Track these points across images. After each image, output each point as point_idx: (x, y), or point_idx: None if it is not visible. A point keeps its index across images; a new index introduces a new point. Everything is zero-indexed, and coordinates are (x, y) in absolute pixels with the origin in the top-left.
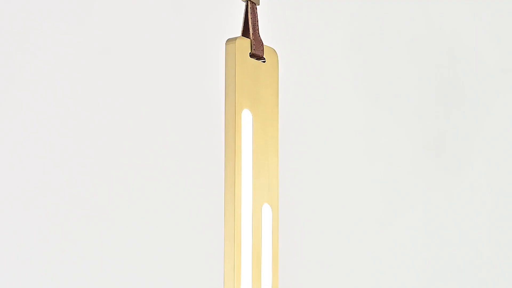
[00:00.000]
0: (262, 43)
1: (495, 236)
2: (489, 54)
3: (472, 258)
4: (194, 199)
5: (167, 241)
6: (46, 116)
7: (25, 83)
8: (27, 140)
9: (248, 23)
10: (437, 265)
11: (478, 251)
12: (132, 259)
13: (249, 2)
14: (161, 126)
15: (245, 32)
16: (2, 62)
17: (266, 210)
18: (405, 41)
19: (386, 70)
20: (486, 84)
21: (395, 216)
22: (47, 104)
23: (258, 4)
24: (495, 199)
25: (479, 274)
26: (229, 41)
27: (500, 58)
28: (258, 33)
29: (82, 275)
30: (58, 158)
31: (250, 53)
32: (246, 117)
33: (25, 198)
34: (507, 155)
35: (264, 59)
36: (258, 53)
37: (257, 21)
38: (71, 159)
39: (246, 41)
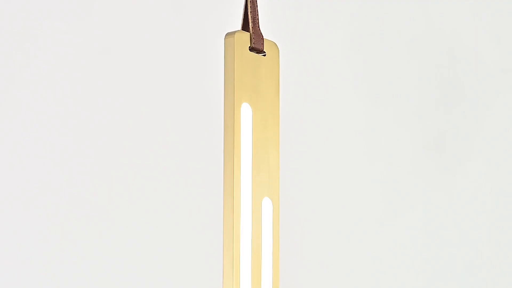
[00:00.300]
0: (262, 37)
1: (495, 236)
2: (489, 54)
3: (472, 258)
4: (194, 196)
5: (167, 240)
6: (46, 116)
7: (25, 83)
8: (27, 140)
9: (248, 17)
10: (437, 265)
11: (478, 251)
12: (132, 259)
13: None
14: (161, 121)
15: (245, 26)
16: (2, 62)
17: (267, 204)
18: (405, 41)
19: (386, 70)
20: (486, 84)
21: (395, 216)
22: (47, 104)
23: None
24: (495, 199)
25: (479, 274)
26: (228, 35)
27: (500, 58)
28: (258, 26)
29: (82, 275)
30: (58, 158)
31: (249, 46)
32: (246, 111)
33: (25, 198)
34: (507, 155)
35: (264, 52)
36: (258, 46)
37: (257, 14)
38: (71, 159)
39: (246, 35)
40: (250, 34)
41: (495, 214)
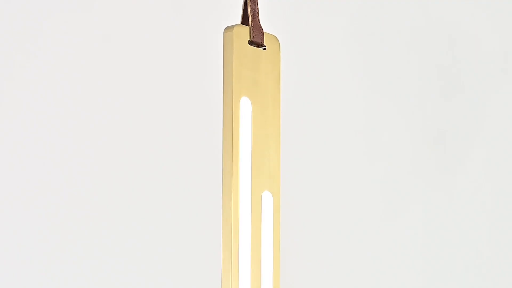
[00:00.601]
0: (262, 30)
1: (495, 236)
2: (490, 53)
3: (472, 258)
4: (194, 193)
5: (167, 240)
6: (46, 116)
7: (25, 83)
8: (27, 140)
9: (247, 10)
10: (437, 265)
11: (478, 251)
12: (132, 259)
13: None
14: (160, 117)
15: (245, 20)
16: (2, 62)
17: (267, 198)
18: (405, 41)
19: (387, 68)
20: (486, 84)
21: (395, 216)
22: (47, 104)
23: None
24: (495, 199)
25: (479, 274)
26: (227, 29)
27: (500, 57)
28: (258, 20)
29: (82, 275)
30: (58, 158)
31: (249, 40)
32: (245, 104)
33: (25, 198)
34: (507, 155)
35: (264, 46)
36: (257, 40)
37: (257, 8)
38: (71, 159)
39: (245, 29)
40: (250, 27)
41: (495, 214)
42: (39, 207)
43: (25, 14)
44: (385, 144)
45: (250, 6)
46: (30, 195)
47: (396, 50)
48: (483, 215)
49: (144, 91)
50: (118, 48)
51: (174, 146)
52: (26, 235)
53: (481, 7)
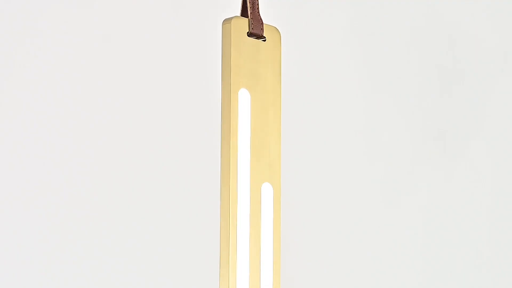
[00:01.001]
0: (262, 22)
1: (495, 236)
2: (490, 52)
3: (472, 258)
4: (193, 189)
5: (166, 234)
6: (46, 116)
7: (25, 83)
8: (27, 140)
9: (247, 2)
10: (437, 265)
11: (478, 251)
12: (132, 259)
13: None
14: (160, 113)
15: (245, 12)
16: (2, 62)
17: (267, 189)
18: (405, 41)
19: (387, 69)
20: (486, 84)
21: (395, 215)
22: (47, 104)
23: None
24: (495, 198)
25: (480, 275)
26: (226, 21)
27: (500, 57)
28: (258, 11)
29: (82, 275)
30: (58, 158)
31: (248, 32)
32: (244, 96)
33: (25, 198)
34: (506, 155)
35: (264, 37)
36: (257, 31)
37: None
38: (71, 159)
39: (244, 20)
40: (249, 19)
41: (495, 213)
42: (39, 207)
43: (25, 14)
44: (385, 144)
45: None
46: (30, 195)
47: (396, 49)
48: (483, 214)
49: (143, 85)
50: (117, 46)
51: (173, 139)
52: (26, 235)
53: (481, 7)
